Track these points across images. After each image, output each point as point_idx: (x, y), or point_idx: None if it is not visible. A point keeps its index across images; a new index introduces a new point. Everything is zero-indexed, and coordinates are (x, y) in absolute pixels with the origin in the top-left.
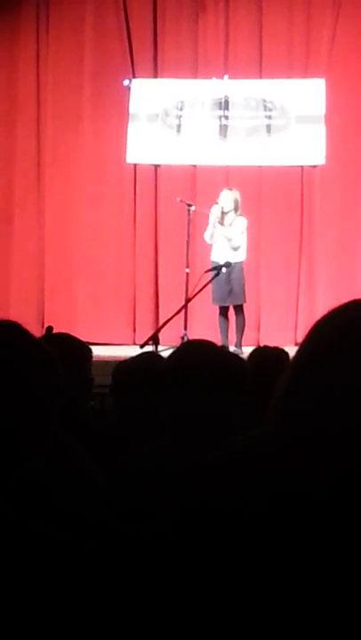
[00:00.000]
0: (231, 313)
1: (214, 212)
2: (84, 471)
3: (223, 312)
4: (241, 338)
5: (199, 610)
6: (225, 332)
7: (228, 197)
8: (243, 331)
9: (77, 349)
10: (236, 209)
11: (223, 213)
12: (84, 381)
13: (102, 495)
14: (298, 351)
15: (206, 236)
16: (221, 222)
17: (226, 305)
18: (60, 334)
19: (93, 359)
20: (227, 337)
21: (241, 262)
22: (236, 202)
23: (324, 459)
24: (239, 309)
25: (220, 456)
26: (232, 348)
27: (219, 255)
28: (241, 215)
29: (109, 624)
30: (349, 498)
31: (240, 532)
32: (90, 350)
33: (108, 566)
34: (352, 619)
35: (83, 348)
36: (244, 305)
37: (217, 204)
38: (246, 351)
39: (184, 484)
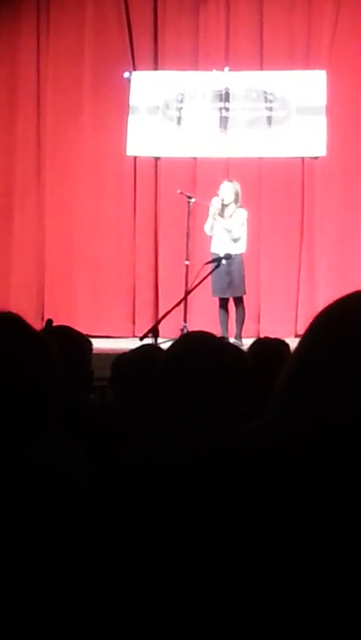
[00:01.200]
0: (231, 305)
1: (214, 204)
2: (75, 461)
3: (223, 304)
4: (241, 330)
5: (200, 600)
6: (225, 323)
7: (228, 189)
8: (243, 322)
9: (77, 342)
10: (236, 201)
11: (223, 205)
12: (84, 374)
13: (97, 485)
14: (300, 342)
15: (206, 227)
16: (222, 214)
17: (226, 297)
18: (60, 327)
19: (93, 352)
20: (227, 329)
21: (241, 254)
22: (236, 194)
23: (326, 448)
24: (239, 301)
25: (222, 446)
26: (232, 340)
27: (219, 247)
28: (241, 207)
29: (111, 611)
30: (352, 487)
31: (242, 523)
32: (90, 343)
33: (109, 555)
34: (351, 612)
35: (83, 341)
36: (244, 297)
37: (217, 195)
38: (246, 343)
39: (185, 473)
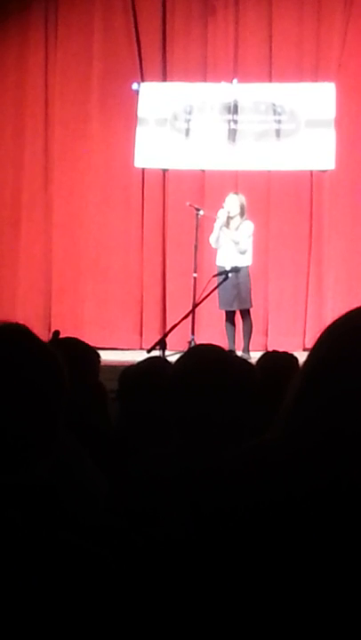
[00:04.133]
0: (238, 318)
1: (221, 216)
2: (86, 474)
3: (230, 317)
4: (248, 342)
5: (212, 613)
6: (232, 336)
7: (234, 201)
8: (250, 335)
9: (85, 354)
10: (242, 213)
11: (229, 217)
12: (92, 386)
13: (106, 500)
14: (308, 356)
15: (212, 239)
16: (227, 226)
17: (232, 309)
18: (67, 338)
19: (100, 364)
20: (234, 342)
21: (247, 267)
22: (242, 206)
23: (335, 464)
24: (246, 314)
25: (233, 460)
26: (239, 353)
27: (224, 260)
28: (247, 219)
29: (121, 630)
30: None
31: (254, 536)
32: (97, 355)
33: (119, 571)
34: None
35: (90, 353)
36: (252, 310)
37: (223, 208)
38: (254, 356)
39: (197, 487)
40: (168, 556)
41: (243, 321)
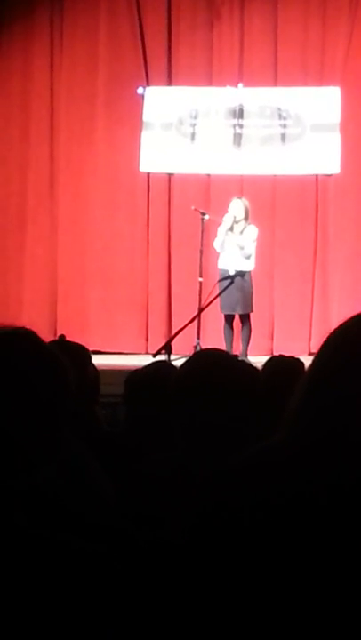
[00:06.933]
0: (237, 322)
1: (226, 221)
2: (92, 478)
3: (229, 321)
4: (247, 347)
5: (215, 614)
6: (230, 340)
7: (239, 206)
8: (248, 340)
9: (80, 355)
10: (246, 217)
11: (234, 222)
12: (90, 387)
13: (112, 503)
14: (314, 360)
15: (216, 244)
16: (232, 230)
17: (235, 313)
18: (54, 342)
19: (106, 368)
20: (231, 345)
21: (250, 272)
22: (246, 210)
23: (340, 466)
24: (246, 319)
25: (240, 463)
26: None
27: (227, 263)
28: (251, 223)
29: (123, 631)
30: None
31: (261, 538)
32: (89, 353)
33: (123, 573)
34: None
35: (83, 354)
36: (256, 314)
37: (228, 212)
38: (257, 360)
39: (205, 489)
40: (172, 558)
41: (242, 325)
